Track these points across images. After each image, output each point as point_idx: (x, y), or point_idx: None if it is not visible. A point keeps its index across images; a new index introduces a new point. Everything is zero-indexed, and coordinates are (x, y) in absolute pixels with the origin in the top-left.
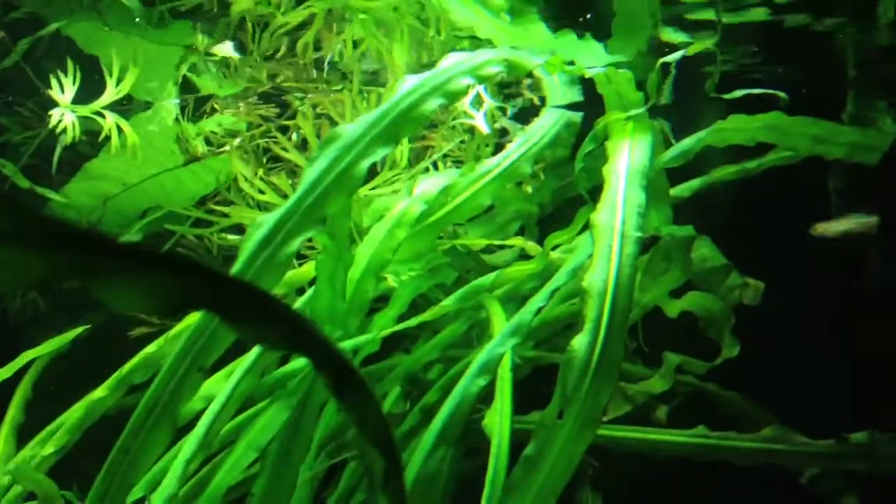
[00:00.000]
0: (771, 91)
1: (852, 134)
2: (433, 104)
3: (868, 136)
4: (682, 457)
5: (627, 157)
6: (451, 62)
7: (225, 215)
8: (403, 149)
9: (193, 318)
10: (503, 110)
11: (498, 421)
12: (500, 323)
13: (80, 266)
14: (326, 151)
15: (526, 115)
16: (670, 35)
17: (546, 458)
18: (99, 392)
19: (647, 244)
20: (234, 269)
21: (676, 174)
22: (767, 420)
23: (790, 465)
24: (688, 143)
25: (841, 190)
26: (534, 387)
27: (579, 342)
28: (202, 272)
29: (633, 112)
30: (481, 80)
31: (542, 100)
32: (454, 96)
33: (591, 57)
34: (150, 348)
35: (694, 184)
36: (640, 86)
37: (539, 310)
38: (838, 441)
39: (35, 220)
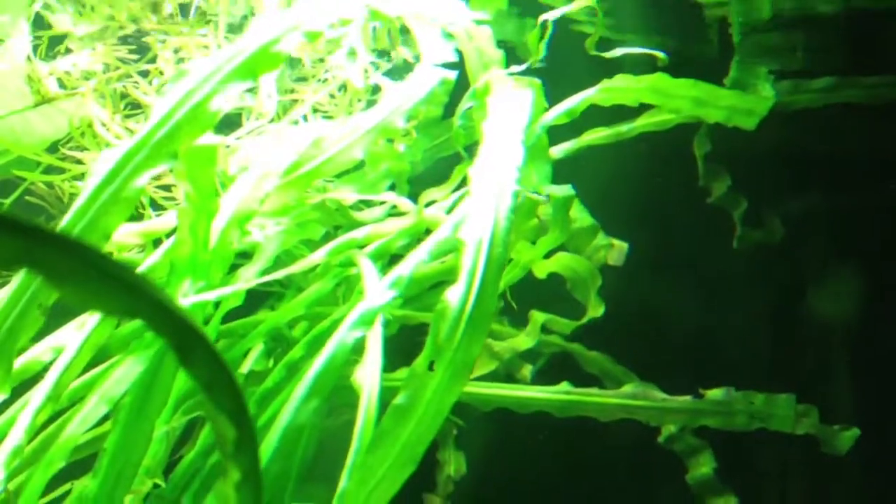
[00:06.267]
0: (650, 51)
1: (732, 97)
2: (292, 41)
3: (747, 100)
4: (545, 413)
5: (507, 113)
6: (311, 1)
7: (78, 162)
8: (272, 99)
9: None
10: (377, 67)
11: (368, 375)
12: (373, 278)
13: None
14: (178, 85)
15: (400, 72)
16: None
17: (416, 408)
18: None
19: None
20: (78, 203)
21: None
22: (630, 379)
23: (649, 421)
24: (573, 101)
25: (706, 155)
26: (400, 345)
27: (453, 292)
28: (15, 225)
29: (514, 68)
30: (342, 23)
31: (418, 58)
32: (314, 36)
33: (452, 11)
34: None
35: (566, 146)
36: (501, 43)
37: (419, 263)
38: (695, 398)
39: None
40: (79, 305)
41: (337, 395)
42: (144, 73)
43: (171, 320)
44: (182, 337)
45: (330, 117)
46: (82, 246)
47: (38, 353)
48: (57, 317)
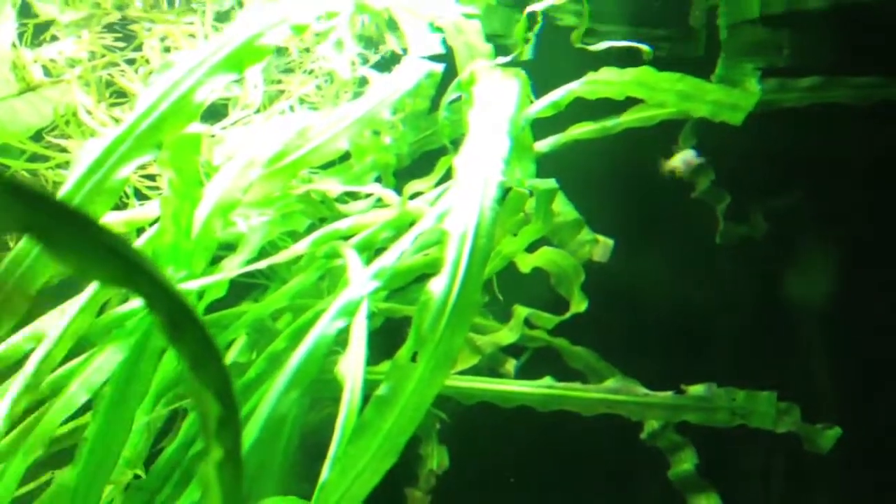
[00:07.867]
0: (635, 44)
1: (717, 92)
2: (278, 34)
3: (733, 95)
4: (528, 407)
5: (493, 103)
6: None
7: (63, 150)
8: (257, 89)
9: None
10: (365, 59)
11: (352, 366)
12: (357, 269)
13: None
14: (164, 76)
15: (388, 64)
16: None
17: (398, 398)
18: None
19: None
20: (62, 192)
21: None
22: (612, 374)
23: (631, 416)
24: (558, 94)
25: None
26: (384, 339)
27: (437, 283)
28: (20, 192)
29: (500, 59)
30: (329, 15)
31: (406, 50)
32: (300, 29)
33: (441, 5)
34: None
35: (552, 140)
36: (490, 37)
37: (402, 254)
38: (676, 393)
39: None
40: (76, 274)
41: (320, 388)
42: (130, 62)
43: (164, 295)
44: (174, 312)
45: (316, 108)
46: (83, 216)
47: (17, 341)
48: (37, 305)
